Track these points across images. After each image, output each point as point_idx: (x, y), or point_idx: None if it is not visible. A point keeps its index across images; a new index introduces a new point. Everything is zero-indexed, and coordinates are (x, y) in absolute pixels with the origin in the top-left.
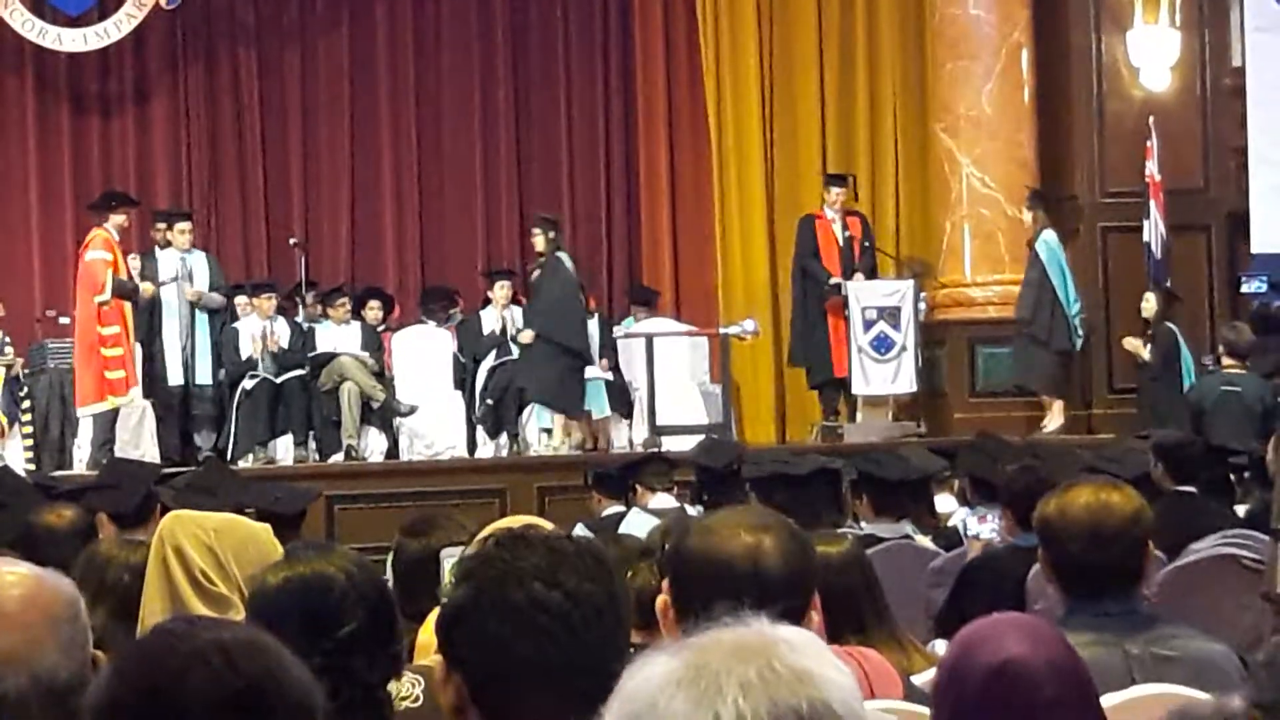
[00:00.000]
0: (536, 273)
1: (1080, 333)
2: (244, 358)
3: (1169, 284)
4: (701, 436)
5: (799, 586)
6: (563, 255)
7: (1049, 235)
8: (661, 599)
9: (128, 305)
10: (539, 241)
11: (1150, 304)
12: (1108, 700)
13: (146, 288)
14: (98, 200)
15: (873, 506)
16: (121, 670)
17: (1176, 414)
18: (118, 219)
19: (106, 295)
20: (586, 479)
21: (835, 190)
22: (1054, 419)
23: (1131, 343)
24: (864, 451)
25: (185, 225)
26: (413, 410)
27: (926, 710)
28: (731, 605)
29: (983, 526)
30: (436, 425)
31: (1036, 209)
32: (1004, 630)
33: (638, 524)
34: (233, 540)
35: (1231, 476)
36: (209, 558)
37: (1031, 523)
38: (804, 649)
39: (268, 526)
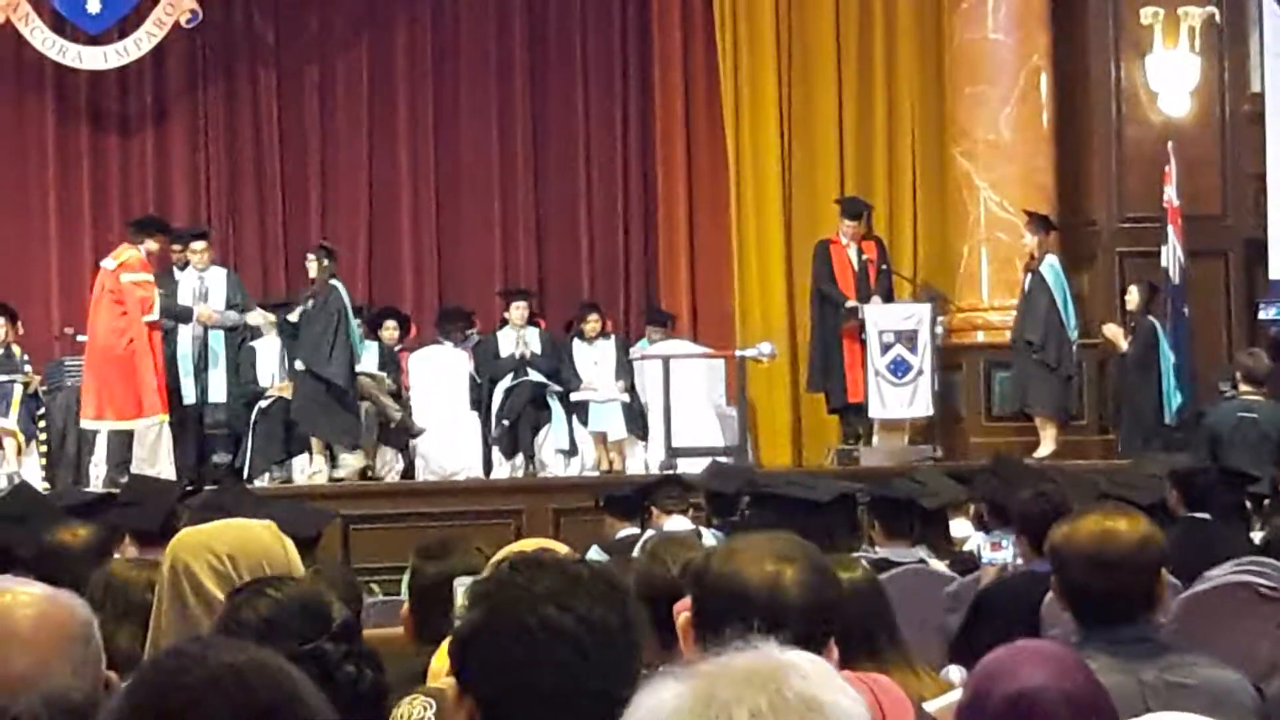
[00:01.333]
0: (310, 301)
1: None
2: (262, 383)
3: (1185, 310)
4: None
5: (816, 619)
6: (336, 283)
7: (1054, 260)
8: (684, 616)
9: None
10: (312, 268)
11: (1134, 296)
12: None
13: (204, 311)
14: (141, 220)
15: (886, 532)
16: (135, 693)
17: (1152, 409)
18: (151, 244)
19: (155, 315)
20: (597, 501)
21: (849, 223)
22: (1048, 444)
23: (1112, 330)
24: (880, 475)
25: (200, 245)
26: (421, 432)
27: None
28: (744, 630)
29: (996, 554)
30: (452, 446)
31: (1040, 233)
32: (1024, 660)
33: None
34: (248, 563)
35: (1248, 503)
36: (228, 588)
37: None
38: (814, 676)
39: (272, 525)
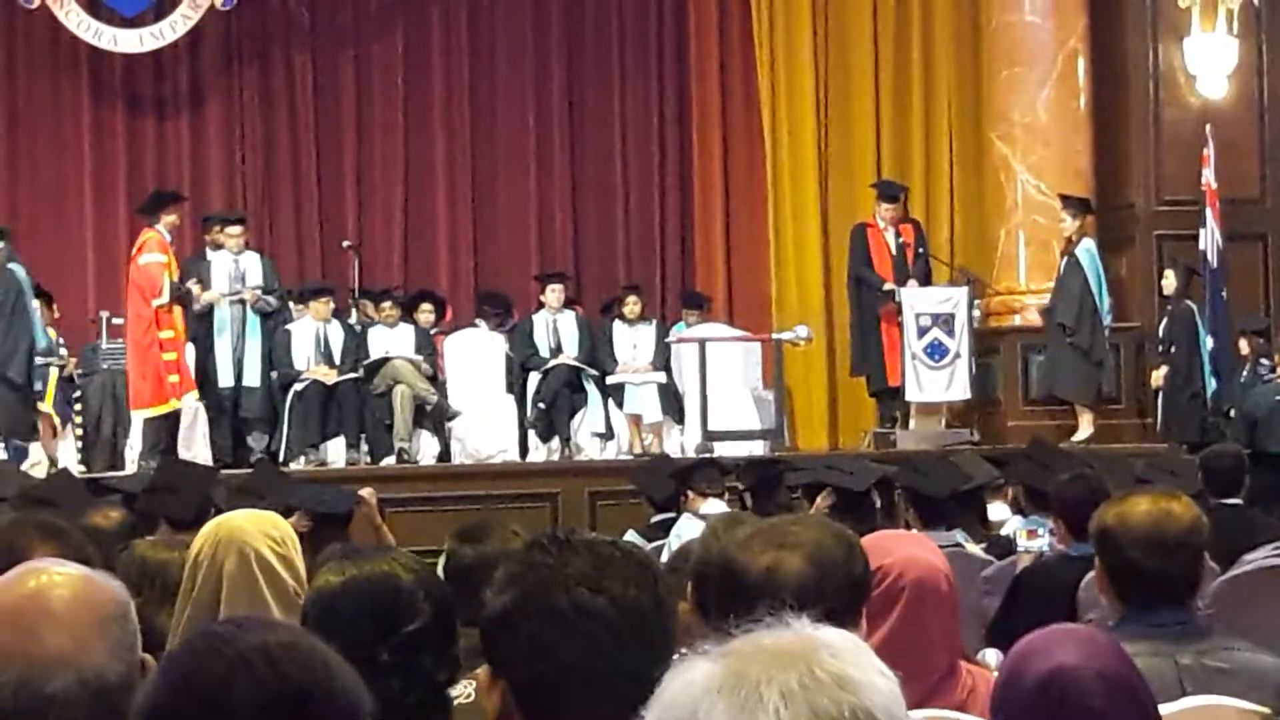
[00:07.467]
0: None
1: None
2: (297, 366)
3: (1223, 294)
4: (754, 442)
5: (819, 604)
6: (15, 267)
7: (1090, 243)
8: (683, 606)
9: (178, 309)
10: None
11: (1171, 280)
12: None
13: (210, 295)
14: (147, 202)
15: (921, 516)
16: (167, 673)
17: (1190, 394)
18: (170, 219)
19: (164, 299)
20: (638, 485)
21: (885, 206)
22: (1085, 428)
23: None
24: (914, 460)
25: (236, 229)
26: (456, 415)
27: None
28: (751, 612)
29: (1032, 542)
30: (488, 429)
31: (1078, 216)
32: (1058, 640)
33: (689, 530)
34: (293, 547)
35: None
36: (293, 573)
37: (1083, 532)
38: (846, 654)
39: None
